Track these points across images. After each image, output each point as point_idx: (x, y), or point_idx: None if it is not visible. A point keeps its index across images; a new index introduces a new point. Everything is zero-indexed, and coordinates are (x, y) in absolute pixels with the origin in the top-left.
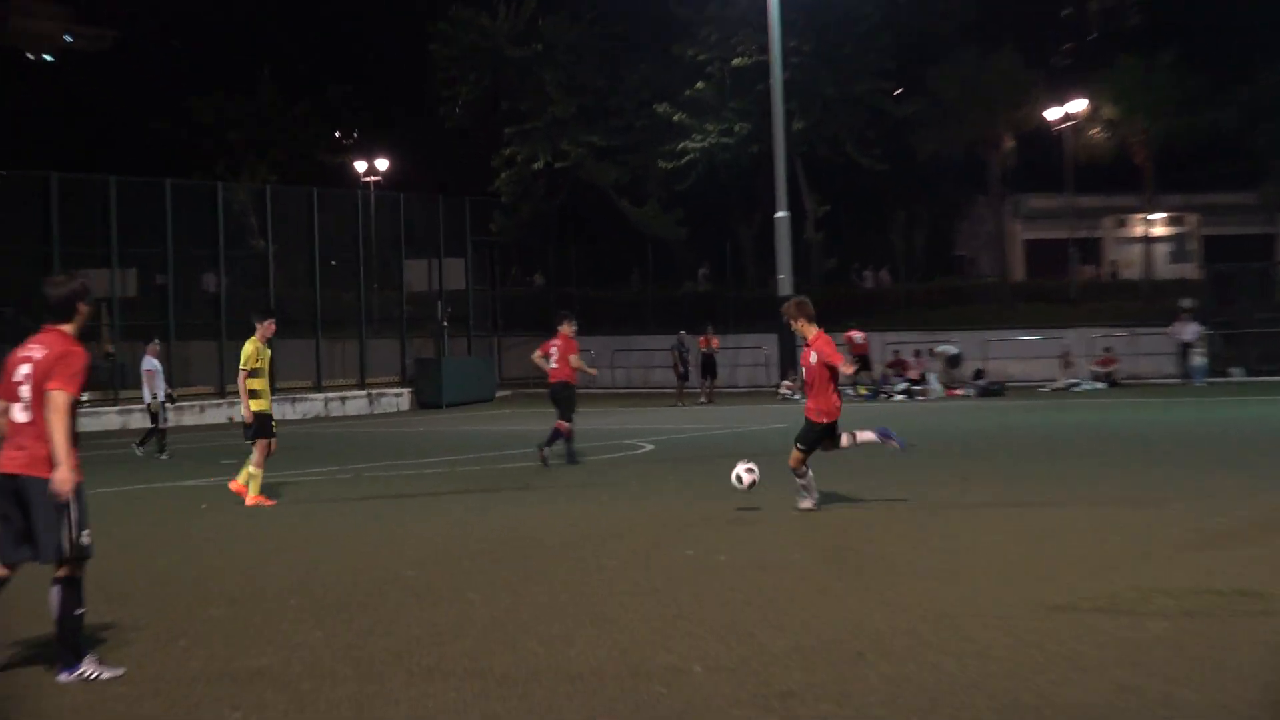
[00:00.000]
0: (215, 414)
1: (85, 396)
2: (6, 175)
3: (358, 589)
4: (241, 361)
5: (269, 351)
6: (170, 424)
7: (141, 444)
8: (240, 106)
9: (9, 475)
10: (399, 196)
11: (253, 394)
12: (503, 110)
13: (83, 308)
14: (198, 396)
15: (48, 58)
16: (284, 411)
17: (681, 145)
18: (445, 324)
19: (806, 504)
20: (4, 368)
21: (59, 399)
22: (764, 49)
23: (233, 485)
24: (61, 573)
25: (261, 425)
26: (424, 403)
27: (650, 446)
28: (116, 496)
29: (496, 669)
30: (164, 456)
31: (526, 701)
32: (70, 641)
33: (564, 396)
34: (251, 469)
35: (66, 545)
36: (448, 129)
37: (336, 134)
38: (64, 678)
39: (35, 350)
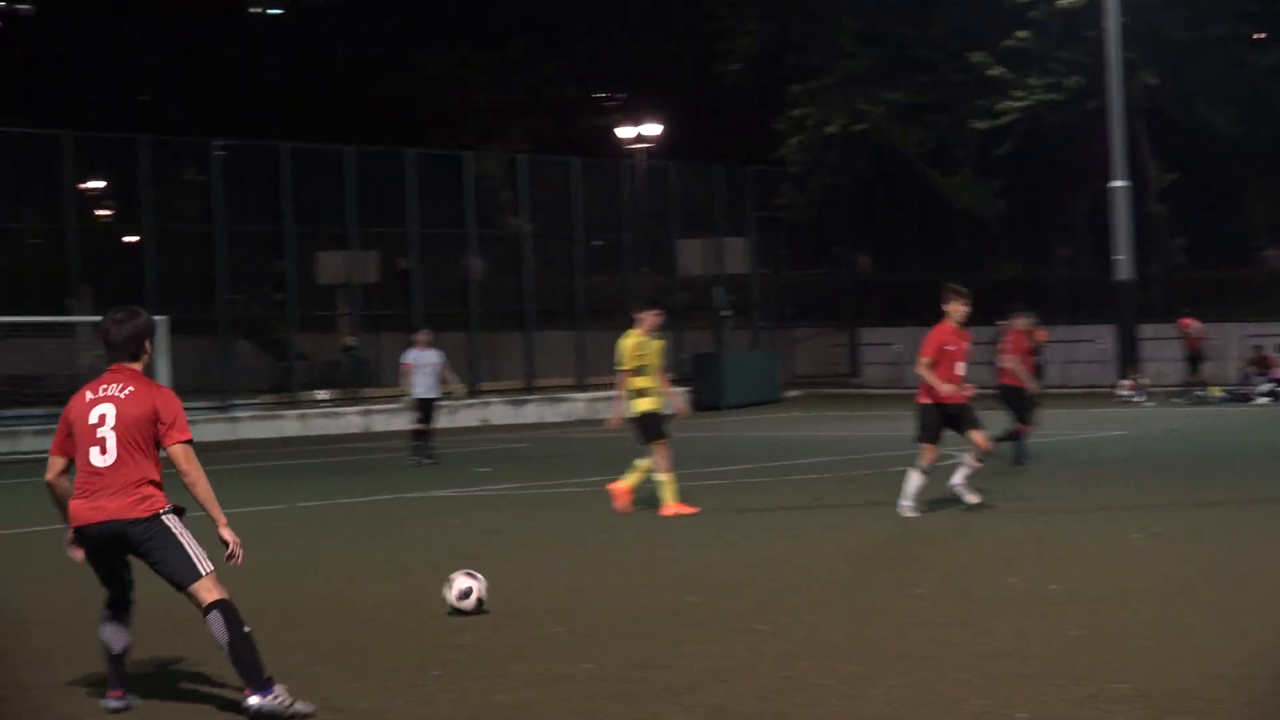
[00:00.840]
0: (468, 415)
1: (325, 395)
2: (226, 148)
3: (629, 616)
4: (622, 358)
5: (656, 344)
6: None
7: (416, 452)
8: (485, 61)
9: (102, 524)
10: (670, 166)
11: (639, 393)
12: (790, 65)
13: (149, 345)
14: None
15: (274, 10)
16: (543, 414)
17: (1000, 103)
18: (725, 313)
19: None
20: (69, 417)
21: (187, 450)
22: None
23: (614, 488)
24: (209, 597)
25: (653, 426)
26: (701, 404)
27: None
28: (364, 507)
29: (789, 712)
30: (428, 461)
31: None
32: (250, 664)
33: (1018, 398)
34: (659, 476)
35: (199, 565)
36: (726, 88)
37: (598, 96)
38: (254, 701)
39: (112, 389)
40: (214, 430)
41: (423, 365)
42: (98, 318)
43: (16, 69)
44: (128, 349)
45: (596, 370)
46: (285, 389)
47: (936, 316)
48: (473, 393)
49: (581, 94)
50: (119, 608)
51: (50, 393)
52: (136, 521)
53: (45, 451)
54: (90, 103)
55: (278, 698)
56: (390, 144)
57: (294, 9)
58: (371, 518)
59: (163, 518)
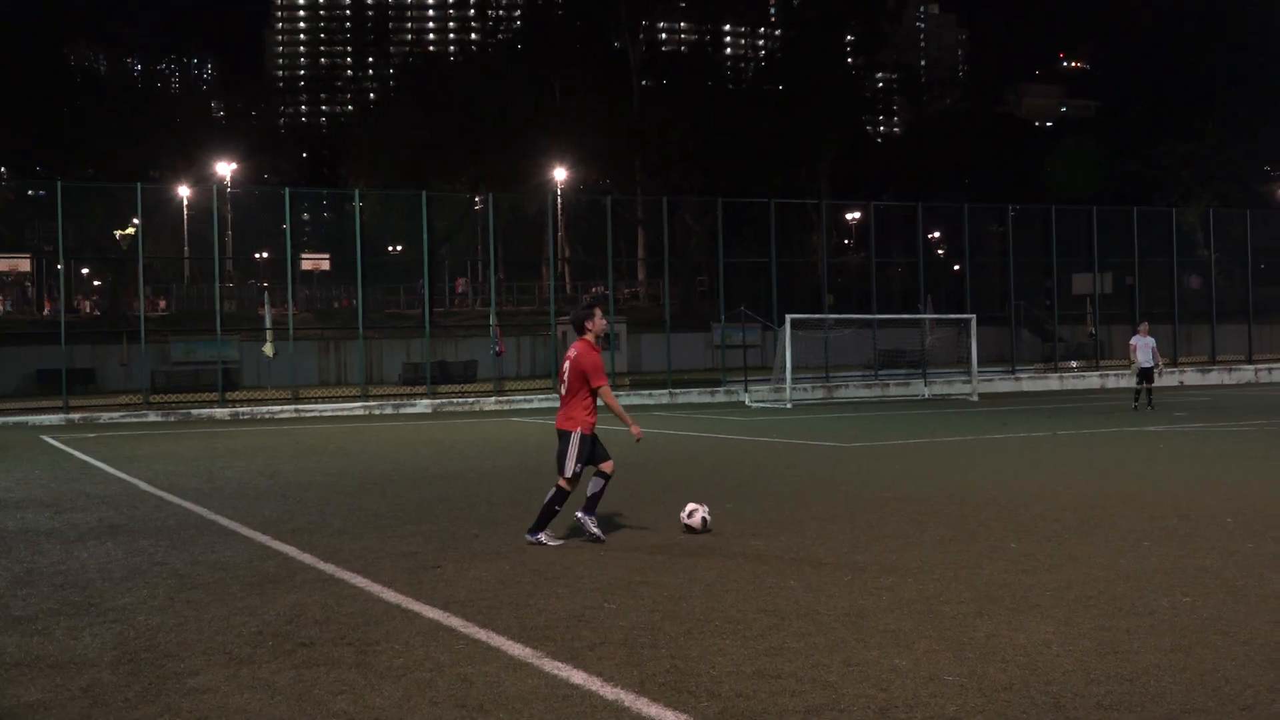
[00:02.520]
0: (1169, 379)
1: (1076, 365)
2: (1017, 209)
3: (1276, 513)
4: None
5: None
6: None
7: (1137, 398)
8: (1186, 150)
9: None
10: None
11: None
12: None
13: (589, 325)
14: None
15: (1048, 124)
16: (1222, 378)
17: None
18: None
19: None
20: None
21: (605, 389)
22: None
23: None
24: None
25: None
26: None
27: None
28: (1099, 437)
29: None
30: (1150, 409)
31: None
32: (542, 520)
33: None
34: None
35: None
36: None
37: (1266, 168)
38: (529, 538)
39: (571, 352)
40: (1004, 385)
41: (1143, 346)
42: (936, 315)
43: (893, 164)
44: (577, 326)
45: (1260, 349)
46: (1050, 360)
47: None
48: (1173, 364)
49: (1256, 167)
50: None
51: (910, 360)
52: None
53: (903, 396)
54: (934, 185)
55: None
56: (1122, 205)
57: (1059, 124)
58: (1105, 441)
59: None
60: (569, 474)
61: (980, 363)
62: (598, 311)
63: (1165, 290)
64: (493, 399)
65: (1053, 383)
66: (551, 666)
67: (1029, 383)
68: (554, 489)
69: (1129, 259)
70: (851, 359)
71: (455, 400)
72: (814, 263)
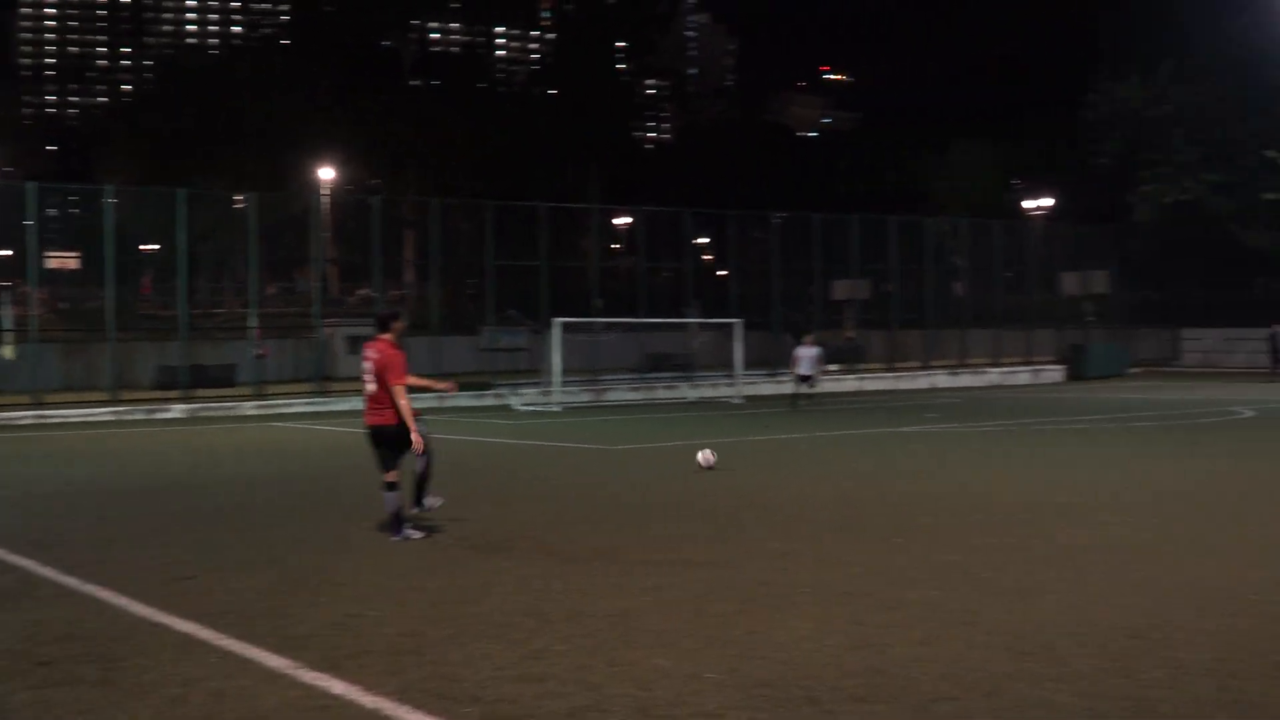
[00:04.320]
0: (921, 381)
1: (834, 367)
2: (781, 217)
3: (1021, 510)
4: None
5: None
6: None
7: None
8: (939, 164)
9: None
10: (1058, 225)
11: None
12: (1139, 157)
13: (394, 324)
14: (909, 369)
15: (812, 134)
16: (970, 381)
17: None
18: (1091, 318)
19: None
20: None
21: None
22: None
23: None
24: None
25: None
26: (1074, 376)
27: (1251, 414)
28: (850, 439)
29: (1123, 575)
30: (802, 408)
31: (1146, 601)
32: (421, 490)
33: None
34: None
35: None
36: (1095, 173)
37: (1011, 180)
38: (425, 504)
39: (371, 351)
40: (767, 388)
41: (806, 356)
42: (702, 320)
43: (661, 171)
44: (380, 324)
45: (1003, 353)
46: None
47: (1242, 321)
48: (924, 365)
49: (1001, 179)
50: None
51: (676, 363)
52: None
53: (669, 399)
54: (700, 191)
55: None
56: (879, 214)
57: (824, 134)
58: (859, 443)
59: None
60: (419, 444)
61: (745, 366)
62: (402, 313)
63: (919, 296)
64: (253, 403)
65: (813, 387)
66: (310, 677)
67: (792, 386)
68: (418, 460)
69: (885, 265)
70: (620, 362)
71: (213, 405)
72: (584, 267)
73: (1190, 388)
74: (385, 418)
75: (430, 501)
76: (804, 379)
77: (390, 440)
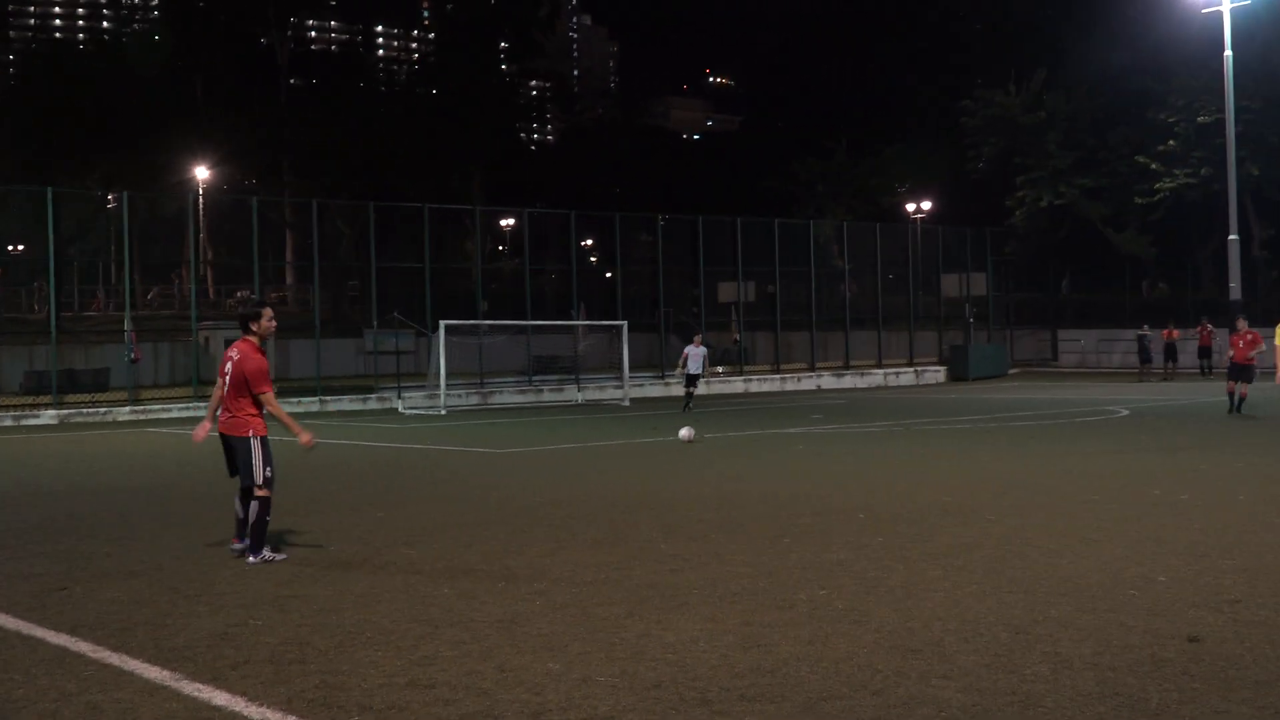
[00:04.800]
0: (808, 383)
1: (721, 369)
2: (667, 219)
3: (908, 509)
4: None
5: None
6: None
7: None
8: (822, 165)
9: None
10: (938, 229)
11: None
12: (1015, 162)
13: (254, 325)
14: (795, 371)
15: (695, 136)
16: (855, 382)
17: (1155, 185)
18: (971, 320)
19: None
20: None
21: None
22: (1221, 109)
23: None
24: (259, 494)
25: None
26: (955, 376)
27: (1126, 412)
28: (744, 439)
29: (1006, 571)
30: (689, 410)
31: (1029, 598)
32: (257, 540)
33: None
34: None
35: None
36: (973, 178)
37: (894, 185)
38: (250, 560)
39: (234, 353)
40: (654, 390)
41: (694, 355)
42: (588, 322)
43: (546, 171)
44: (242, 324)
45: (888, 355)
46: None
47: (1116, 322)
48: (811, 367)
49: (882, 183)
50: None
51: (563, 366)
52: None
53: (556, 402)
54: (588, 193)
55: (267, 557)
56: (764, 216)
57: (706, 136)
58: (745, 444)
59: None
60: (261, 481)
61: (631, 368)
62: (267, 311)
63: (804, 298)
64: (127, 409)
65: (700, 387)
66: (191, 689)
67: (678, 387)
68: (255, 502)
69: (770, 268)
70: (506, 365)
71: (85, 410)
72: (469, 268)
73: (1067, 387)
74: (234, 427)
75: (266, 555)
76: (692, 378)
77: (235, 451)
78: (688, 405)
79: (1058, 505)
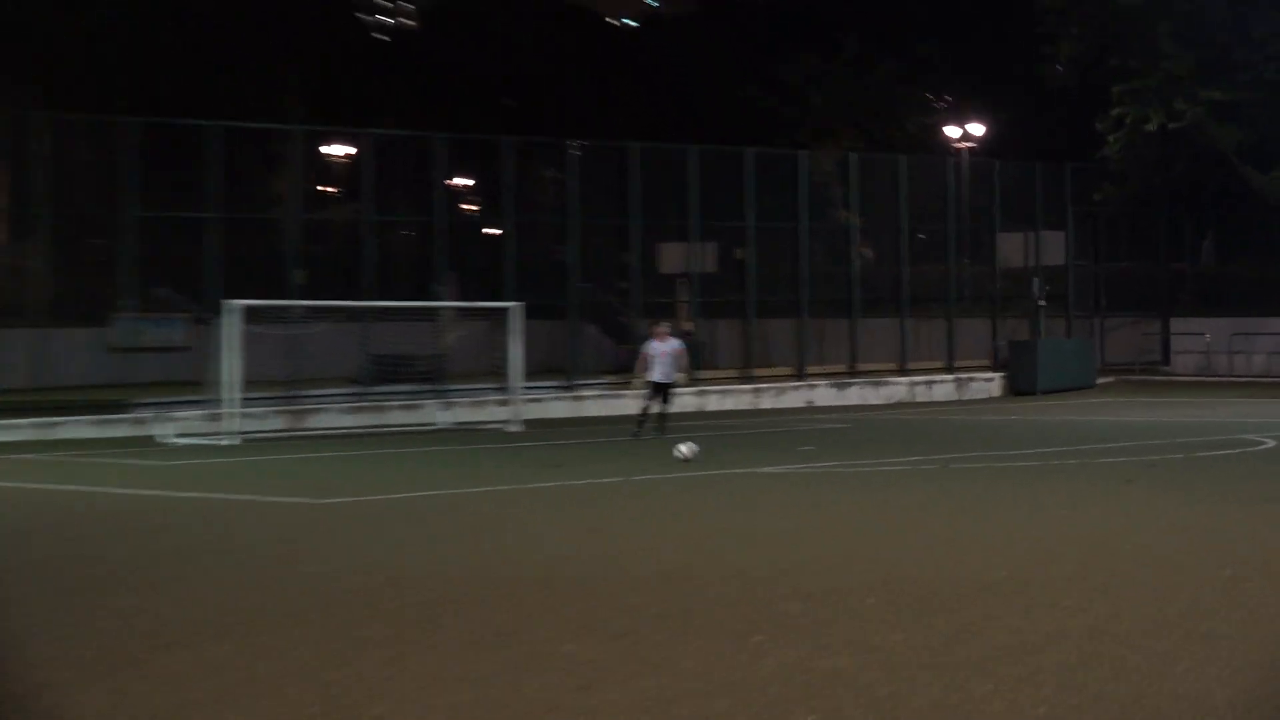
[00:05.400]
0: (794, 397)
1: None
2: (581, 148)
3: (942, 589)
4: None
5: None
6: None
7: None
8: (821, 66)
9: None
10: (993, 164)
11: None
12: (1110, 66)
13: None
14: (777, 379)
15: (630, 23)
16: (865, 396)
17: None
18: (1042, 302)
19: None
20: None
21: None
22: None
23: None
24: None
25: None
26: (1017, 389)
27: (1272, 443)
28: (700, 480)
29: (1093, 685)
30: (659, 434)
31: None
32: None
33: None
34: None
35: None
36: (1048, 89)
37: (926, 96)
38: None
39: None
40: (560, 407)
41: (661, 353)
42: (461, 303)
43: (400, 77)
44: None
45: (917, 355)
46: (627, 370)
47: (1259, 308)
48: (799, 375)
49: (911, 94)
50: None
51: (419, 371)
52: None
53: (408, 425)
54: (461, 107)
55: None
56: (732, 144)
57: (649, 23)
58: (702, 490)
59: None
60: None
61: (527, 375)
62: None
63: (790, 268)
64: None
65: (631, 403)
66: None
67: (595, 404)
68: None
69: (740, 222)
70: (332, 369)
71: None
72: (278, 220)
73: (1185, 404)
74: None
75: None
76: (659, 389)
77: None
78: (642, 429)
79: (1170, 584)
